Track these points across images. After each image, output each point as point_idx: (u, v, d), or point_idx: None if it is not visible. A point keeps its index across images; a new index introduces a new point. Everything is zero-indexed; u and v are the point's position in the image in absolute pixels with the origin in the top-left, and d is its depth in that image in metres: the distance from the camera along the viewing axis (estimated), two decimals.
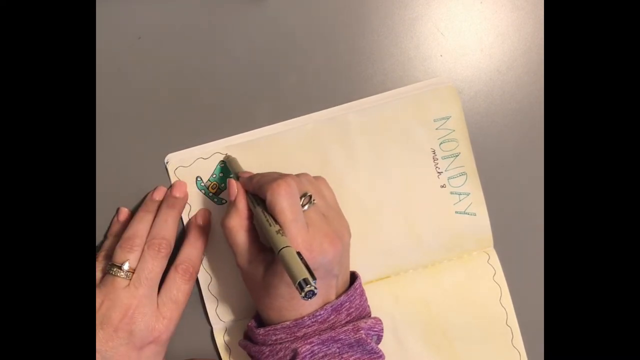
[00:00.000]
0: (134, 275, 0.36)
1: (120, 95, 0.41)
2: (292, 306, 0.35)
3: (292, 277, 0.29)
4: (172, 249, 0.38)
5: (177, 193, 0.40)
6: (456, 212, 0.41)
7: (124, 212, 0.41)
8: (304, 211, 0.34)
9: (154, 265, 0.37)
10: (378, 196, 0.41)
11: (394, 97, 0.41)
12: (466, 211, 0.41)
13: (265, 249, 0.37)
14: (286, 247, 0.31)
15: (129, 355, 0.35)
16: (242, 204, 0.36)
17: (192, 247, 0.39)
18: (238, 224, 0.36)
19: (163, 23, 0.41)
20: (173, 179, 0.41)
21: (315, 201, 0.35)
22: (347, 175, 0.41)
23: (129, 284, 0.36)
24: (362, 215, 0.41)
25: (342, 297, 0.35)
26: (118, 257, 0.37)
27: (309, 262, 0.31)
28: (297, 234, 0.33)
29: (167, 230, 0.38)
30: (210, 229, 0.41)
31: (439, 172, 0.41)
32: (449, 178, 0.41)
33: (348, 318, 0.36)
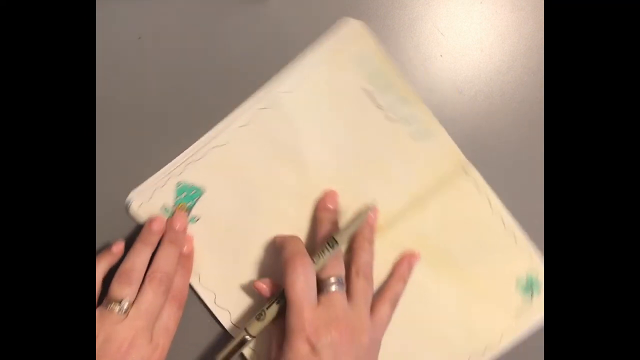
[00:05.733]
0: (133, 307, 0.36)
1: (120, 95, 0.41)
2: None
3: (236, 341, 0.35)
4: (171, 284, 0.38)
5: (177, 225, 0.39)
6: (415, 140, 0.40)
7: (119, 247, 0.39)
8: (329, 292, 0.34)
9: (155, 299, 0.36)
10: (340, 160, 0.40)
11: (308, 57, 0.40)
12: (424, 135, 0.40)
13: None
14: (243, 330, 0.35)
15: None
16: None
17: (180, 276, 0.39)
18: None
19: (163, 23, 0.41)
20: (140, 218, 0.40)
21: (344, 288, 0.35)
22: (306, 155, 0.40)
23: (126, 317, 0.35)
24: (335, 187, 0.40)
25: None
26: (116, 292, 0.36)
27: (312, 341, 0.32)
28: (304, 308, 0.33)
29: (170, 265, 0.38)
30: (193, 254, 0.40)
31: (379, 107, 0.40)
32: (391, 108, 0.40)
33: None
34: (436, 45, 0.42)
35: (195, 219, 0.41)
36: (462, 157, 0.41)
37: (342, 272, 0.36)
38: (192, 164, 0.41)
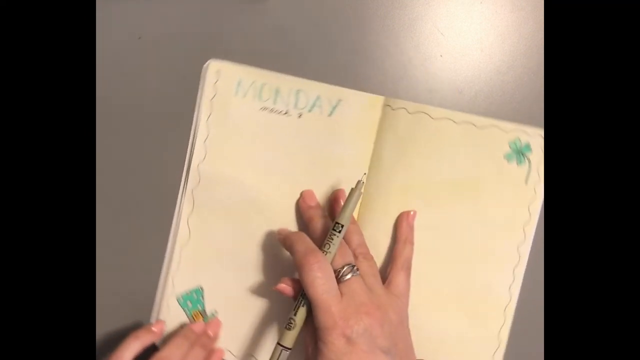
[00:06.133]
0: None
1: (120, 95, 0.41)
2: None
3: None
4: None
5: (211, 332, 0.41)
6: (332, 116, 0.41)
7: (160, 325, 0.41)
8: (346, 280, 0.34)
9: None
10: (291, 171, 0.41)
11: (200, 117, 0.41)
12: (337, 106, 0.41)
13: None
14: (278, 346, 0.34)
15: None
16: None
17: None
18: None
19: (163, 23, 0.41)
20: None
21: (358, 272, 0.35)
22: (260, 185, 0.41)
23: None
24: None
25: None
26: None
27: (346, 333, 0.32)
28: (330, 303, 0.33)
29: None
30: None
31: (286, 113, 0.41)
32: (294, 106, 0.41)
33: None
34: (436, 45, 0.42)
35: (214, 314, 0.42)
36: (380, 98, 0.41)
37: (352, 258, 0.36)
38: (176, 275, 0.42)
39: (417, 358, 0.37)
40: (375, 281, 0.36)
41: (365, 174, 0.39)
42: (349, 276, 0.34)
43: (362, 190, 0.37)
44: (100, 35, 0.41)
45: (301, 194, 0.40)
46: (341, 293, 0.34)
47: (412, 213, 0.40)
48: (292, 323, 0.35)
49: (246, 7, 0.41)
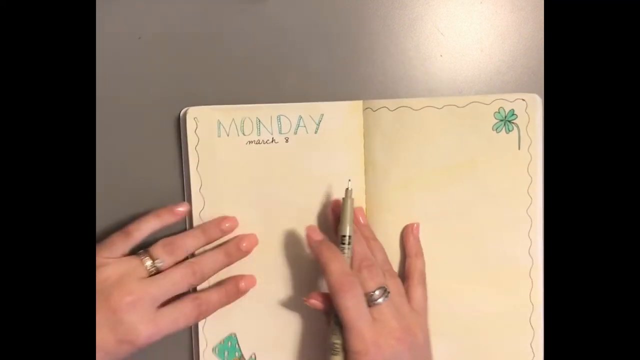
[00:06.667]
0: (156, 275, 0.36)
1: (120, 95, 0.41)
2: None
3: None
4: (198, 285, 0.38)
5: (244, 244, 0.40)
6: (319, 133, 0.41)
7: (179, 210, 0.40)
8: (376, 304, 0.34)
9: (178, 283, 0.37)
10: (296, 197, 0.41)
11: (190, 165, 0.41)
12: (319, 121, 0.41)
13: None
14: None
15: (106, 339, 0.34)
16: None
17: (219, 297, 0.39)
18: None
19: (163, 23, 0.41)
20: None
21: (389, 294, 0.35)
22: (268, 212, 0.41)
23: (146, 277, 0.36)
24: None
25: None
26: (156, 251, 0.37)
27: (379, 359, 0.32)
28: (363, 329, 0.33)
29: (211, 268, 0.39)
30: (242, 295, 0.41)
31: (272, 141, 0.41)
32: (280, 131, 0.41)
33: None
34: (436, 45, 0.42)
35: (253, 358, 0.41)
36: (359, 102, 0.41)
37: (382, 279, 0.36)
38: (207, 328, 0.41)
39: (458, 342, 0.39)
40: (403, 301, 0.36)
41: (349, 180, 0.39)
42: (380, 300, 0.34)
43: (353, 197, 0.37)
44: (100, 35, 0.41)
45: (306, 230, 0.39)
46: (372, 317, 0.34)
47: (415, 226, 0.40)
48: (337, 348, 0.35)
49: (246, 7, 0.41)
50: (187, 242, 0.38)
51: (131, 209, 0.41)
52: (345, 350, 0.34)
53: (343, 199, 0.37)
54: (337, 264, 0.35)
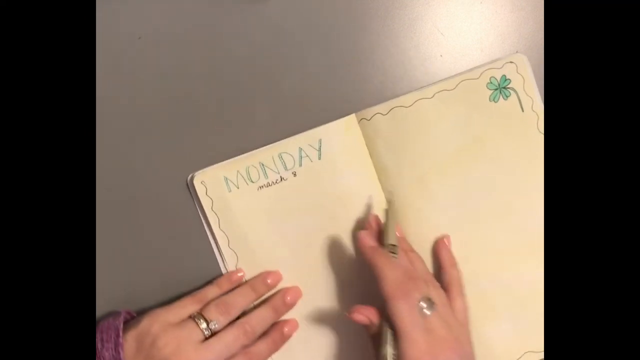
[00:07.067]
0: (212, 339, 0.37)
1: (120, 95, 0.41)
2: None
3: None
4: (253, 346, 0.39)
5: (289, 297, 0.41)
6: (323, 159, 0.41)
7: (238, 276, 0.41)
8: (424, 314, 0.34)
9: (232, 345, 0.37)
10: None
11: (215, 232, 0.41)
12: (322, 147, 0.41)
13: None
14: None
15: None
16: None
17: (266, 345, 0.39)
18: None
19: (163, 23, 0.41)
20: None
21: (437, 306, 0.35)
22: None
23: (202, 342, 0.37)
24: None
25: None
26: (210, 314, 0.38)
27: None
28: (418, 338, 0.33)
29: (261, 326, 0.39)
30: (289, 337, 0.41)
31: (282, 179, 0.41)
32: (286, 169, 0.41)
33: None
34: (436, 45, 0.42)
35: None
36: (352, 116, 0.41)
37: (426, 289, 0.36)
38: None
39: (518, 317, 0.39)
40: (449, 311, 0.36)
41: (390, 191, 0.40)
42: (429, 312, 0.34)
43: (396, 207, 0.38)
44: (100, 35, 0.41)
45: (358, 237, 0.38)
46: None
47: (446, 240, 0.41)
48: (393, 357, 0.34)
49: (246, 7, 0.41)
50: (239, 301, 0.39)
51: (135, 215, 0.42)
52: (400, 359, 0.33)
53: (386, 209, 0.37)
54: (393, 270, 0.35)
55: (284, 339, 0.41)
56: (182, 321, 0.37)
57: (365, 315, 0.36)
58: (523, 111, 0.40)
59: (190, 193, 0.41)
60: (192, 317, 0.37)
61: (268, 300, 0.41)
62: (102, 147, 0.41)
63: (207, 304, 0.39)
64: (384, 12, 0.42)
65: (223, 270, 0.42)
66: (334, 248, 0.41)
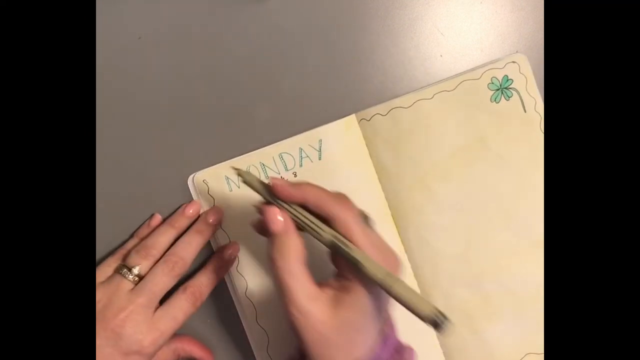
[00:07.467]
0: (140, 283, 0.36)
1: (120, 95, 0.41)
2: (364, 340, 0.30)
3: (421, 312, 0.28)
4: (185, 272, 0.38)
5: (211, 219, 0.40)
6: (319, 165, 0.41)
7: (157, 219, 0.41)
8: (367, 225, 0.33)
9: (162, 281, 0.37)
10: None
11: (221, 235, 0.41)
12: (317, 155, 0.41)
13: (325, 284, 0.32)
14: (398, 280, 0.29)
15: (112, 356, 0.34)
16: (294, 236, 0.32)
17: (207, 277, 0.39)
18: (293, 259, 0.31)
19: (163, 23, 0.41)
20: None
21: (371, 221, 0.34)
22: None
23: (132, 289, 0.36)
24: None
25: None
26: (132, 260, 0.37)
27: None
28: (363, 234, 0.31)
29: (188, 252, 0.38)
30: (232, 265, 0.40)
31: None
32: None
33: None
34: (436, 45, 0.42)
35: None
36: (352, 117, 0.41)
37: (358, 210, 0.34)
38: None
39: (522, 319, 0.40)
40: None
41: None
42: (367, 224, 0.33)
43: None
44: (100, 35, 0.41)
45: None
46: None
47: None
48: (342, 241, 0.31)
49: (246, 7, 0.41)
50: (160, 241, 0.38)
51: (131, 211, 0.41)
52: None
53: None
54: (322, 190, 0.33)
55: (226, 264, 0.40)
56: (109, 277, 0.37)
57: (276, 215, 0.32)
58: (525, 112, 0.40)
59: (191, 193, 0.41)
60: (116, 271, 0.37)
61: (190, 227, 0.40)
62: (102, 147, 0.41)
63: (128, 252, 0.38)
64: (384, 12, 0.42)
65: (232, 295, 0.42)
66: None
